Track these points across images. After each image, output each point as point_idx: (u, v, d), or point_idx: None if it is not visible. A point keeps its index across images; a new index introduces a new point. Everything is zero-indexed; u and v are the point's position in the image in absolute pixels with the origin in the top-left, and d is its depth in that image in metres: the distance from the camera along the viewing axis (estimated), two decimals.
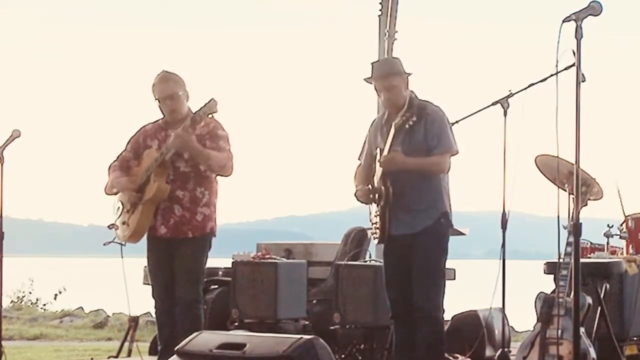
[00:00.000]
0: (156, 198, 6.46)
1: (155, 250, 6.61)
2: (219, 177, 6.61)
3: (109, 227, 6.68)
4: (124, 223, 6.58)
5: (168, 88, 6.53)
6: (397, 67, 6.17)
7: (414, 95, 6.18)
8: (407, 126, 5.96)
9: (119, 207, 6.64)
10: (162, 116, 6.68)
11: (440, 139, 6.06)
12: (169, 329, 6.55)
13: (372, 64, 6.28)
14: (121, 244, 6.66)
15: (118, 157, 6.71)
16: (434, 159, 6.06)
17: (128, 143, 6.74)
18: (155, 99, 6.58)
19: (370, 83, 6.25)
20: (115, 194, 6.65)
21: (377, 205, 6.14)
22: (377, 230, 6.17)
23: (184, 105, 6.55)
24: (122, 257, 6.68)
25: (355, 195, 6.27)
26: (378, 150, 6.20)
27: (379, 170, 6.12)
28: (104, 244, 6.75)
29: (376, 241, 6.37)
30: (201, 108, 6.35)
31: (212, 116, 6.43)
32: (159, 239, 6.55)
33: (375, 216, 6.17)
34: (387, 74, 6.13)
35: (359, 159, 6.45)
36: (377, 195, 6.13)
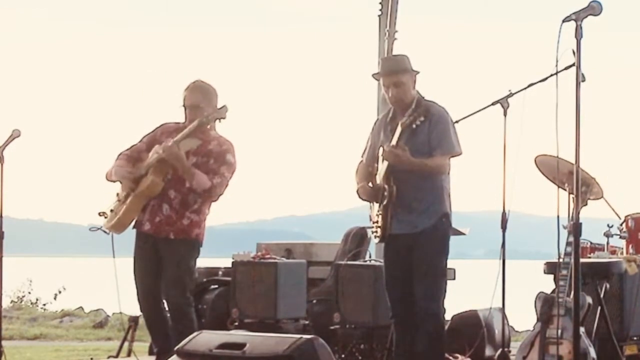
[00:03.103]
0: (147, 192, 6.44)
1: (142, 248, 6.58)
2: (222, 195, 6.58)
3: (99, 214, 6.66)
4: (112, 211, 6.57)
5: (192, 98, 6.53)
6: (405, 65, 6.16)
7: (421, 96, 6.18)
8: (414, 126, 5.95)
9: (116, 196, 6.63)
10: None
11: (443, 140, 6.06)
12: (160, 331, 6.53)
13: (381, 59, 6.31)
14: (106, 232, 6.63)
15: (131, 147, 6.68)
16: (436, 161, 6.05)
17: (145, 136, 6.71)
18: (181, 105, 6.60)
19: (378, 80, 6.27)
20: (114, 181, 6.62)
21: (380, 204, 6.14)
22: (378, 229, 6.17)
23: None
24: (113, 256, 6.66)
25: (357, 192, 6.27)
26: (381, 149, 6.19)
27: (382, 169, 6.11)
28: (90, 229, 6.72)
29: (377, 240, 6.37)
30: (212, 113, 6.41)
31: (220, 121, 6.45)
32: (144, 235, 6.52)
33: (377, 215, 6.17)
34: (396, 71, 6.12)
35: (362, 157, 6.45)
36: (379, 194, 6.13)
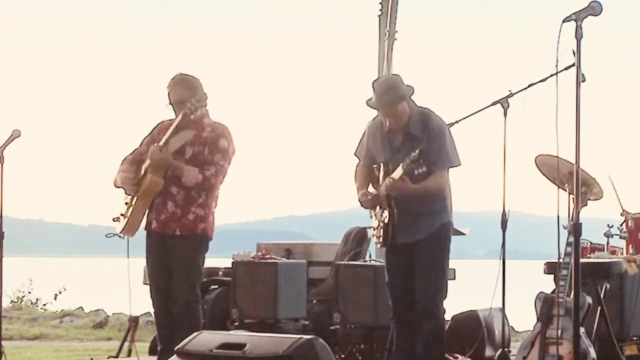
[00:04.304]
0: (149, 191, 6.46)
1: (151, 246, 6.62)
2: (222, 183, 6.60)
3: (113, 220, 6.72)
4: (122, 215, 6.61)
5: (176, 93, 6.54)
6: (400, 92, 6.06)
7: (414, 105, 6.14)
8: (416, 173, 5.90)
9: (124, 201, 6.67)
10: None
11: (441, 156, 6.05)
12: (168, 328, 6.56)
13: (373, 85, 6.15)
14: (121, 237, 6.68)
15: (133, 151, 6.71)
16: (436, 180, 6.04)
17: (145, 138, 6.73)
18: (168, 103, 6.61)
19: (373, 108, 6.20)
20: (121, 186, 6.66)
21: (381, 216, 6.14)
22: (380, 238, 6.18)
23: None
24: (128, 256, 6.69)
25: (359, 200, 6.26)
26: (382, 166, 6.17)
27: (383, 190, 6.08)
28: (107, 236, 6.79)
29: (378, 245, 6.40)
30: (192, 103, 6.39)
31: (204, 109, 6.48)
32: (153, 234, 6.56)
33: (379, 227, 6.16)
34: (394, 103, 6.05)
35: (355, 154, 6.42)
36: (381, 207, 6.14)
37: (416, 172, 5.88)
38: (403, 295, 6.19)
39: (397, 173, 5.92)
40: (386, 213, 6.09)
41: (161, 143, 6.42)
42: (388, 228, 6.11)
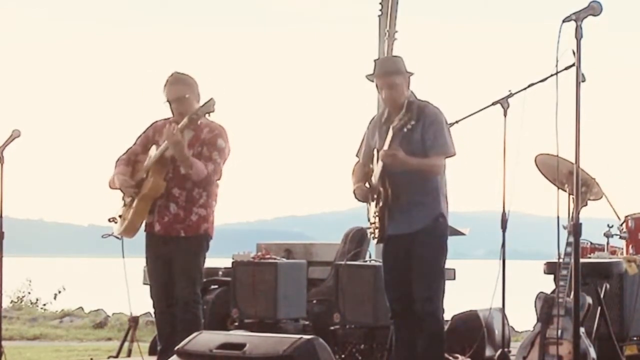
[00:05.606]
0: (151, 194, 6.47)
1: (152, 248, 6.63)
2: (219, 180, 6.61)
3: (108, 220, 6.71)
4: (121, 217, 6.61)
5: (175, 91, 6.55)
6: (399, 66, 6.16)
7: (413, 96, 6.17)
8: (404, 130, 5.93)
9: (122, 201, 6.67)
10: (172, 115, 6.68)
11: (437, 140, 6.05)
12: (168, 328, 6.56)
13: (374, 61, 6.28)
14: (118, 238, 6.67)
15: (127, 151, 6.72)
16: (431, 161, 6.05)
17: (138, 137, 6.75)
18: (165, 100, 6.60)
19: (372, 80, 6.25)
20: (118, 188, 6.66)
21: (376, 205, 6.14)
22: (376, 230, 6.17)
23: (193, 107, 6.51)
24: (123, 257, 6.68)
25: (353, 192, 6.27)
26: (376, 151, 6.18)
27: (377, 170, 6.11)
28: (103, 236, 6.77)
29: (374, 241, 6.38)
30: (200, 107, 6.41)
31: (209, 115, 6.48)
32: (154, 236, 6.56)
33: (374, 216, 6.16)
34: (390, 72, 6.11)
35: (357, 155, 6.45)
36: (375, 195, 6.13)
37: (405, 129, 5.89)
38: (400, 296, 6.17)
39: (388, 141, 5.97)
40: (381, 198, 6.07)
41: (179, 126, 6.39)
42: (383, 214, 6.08)
